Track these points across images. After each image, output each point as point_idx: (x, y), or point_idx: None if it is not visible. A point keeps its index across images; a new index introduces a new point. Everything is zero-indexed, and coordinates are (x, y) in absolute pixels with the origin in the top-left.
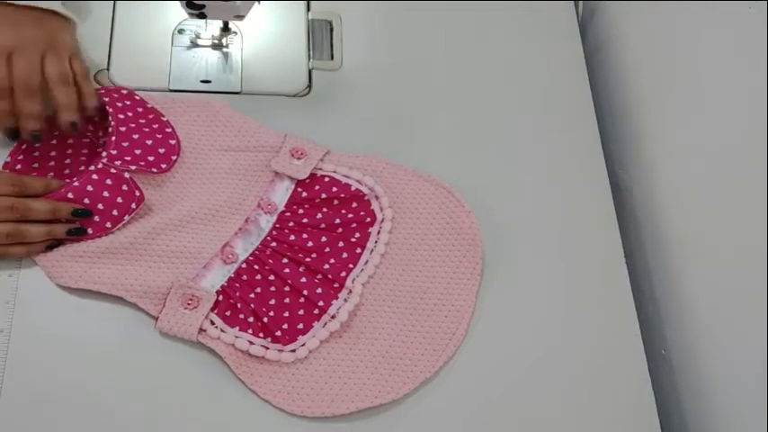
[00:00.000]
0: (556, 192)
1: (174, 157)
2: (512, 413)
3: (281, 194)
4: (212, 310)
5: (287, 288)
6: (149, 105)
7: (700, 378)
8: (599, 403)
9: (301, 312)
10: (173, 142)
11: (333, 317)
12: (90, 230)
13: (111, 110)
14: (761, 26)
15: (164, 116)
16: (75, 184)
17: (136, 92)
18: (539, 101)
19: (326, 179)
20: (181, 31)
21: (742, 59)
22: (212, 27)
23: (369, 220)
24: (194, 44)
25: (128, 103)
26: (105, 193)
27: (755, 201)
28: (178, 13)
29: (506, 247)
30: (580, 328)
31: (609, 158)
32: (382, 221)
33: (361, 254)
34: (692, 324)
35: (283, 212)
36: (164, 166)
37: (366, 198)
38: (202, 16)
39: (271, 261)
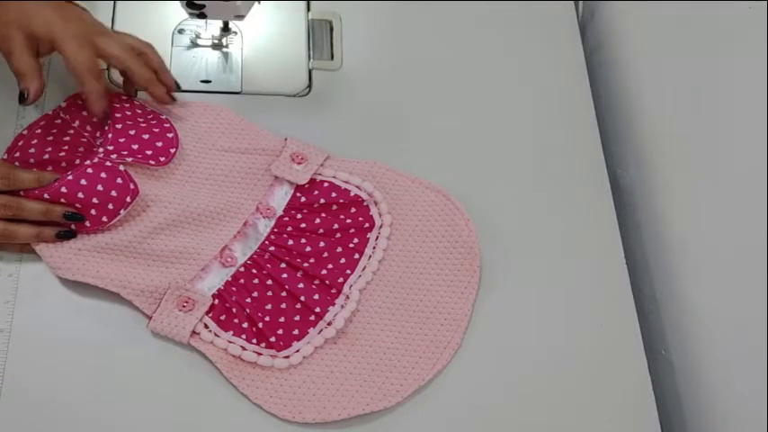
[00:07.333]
0: (556, 192)
1: (172, 150)
2: (509, 414)
3: (279, 199)
4: (207, 313)
5: (284, 293)
6: (149, 108)
7: (700, 378)
8: (599, 403)
9: (297, 318)
10: (170, 135)
11: (329, 323)
12: (88, 223)
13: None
14: (761, 26)
15: (163, 115)
16: (69, 177)
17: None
18: (539, 101)
19: (326, 184)
20: (181, 31)
21: (742, 59)
22: (212, 27)
23: (367, 225)
24: (194, 44)
25: (127, 104)
26: (100, 187)
27: (755, 201)
28: (178, 13)
29: (506, 247)
30: (580, 329)
31: (609, 158)
32: (381, 227)
33: (359, 260)
34: (692, 324)
35: (282, 217)
36: (162, 158)
37: (365, 203)
38: (202, 16)
39: (269, 266)
